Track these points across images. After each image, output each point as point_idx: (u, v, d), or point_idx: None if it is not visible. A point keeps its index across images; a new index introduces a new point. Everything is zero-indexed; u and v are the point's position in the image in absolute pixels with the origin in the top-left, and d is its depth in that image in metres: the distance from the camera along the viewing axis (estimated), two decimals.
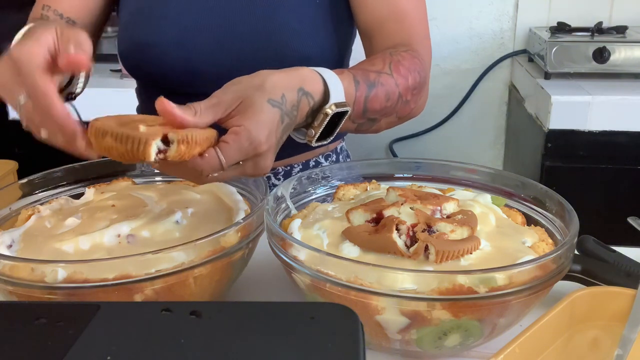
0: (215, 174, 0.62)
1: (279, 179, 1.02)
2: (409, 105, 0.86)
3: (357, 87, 0.77)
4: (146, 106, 1.07)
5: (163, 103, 0.59)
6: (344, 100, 0.74)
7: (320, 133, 0.73)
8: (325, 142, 0.76)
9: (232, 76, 0.92)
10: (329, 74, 0.73)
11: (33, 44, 0.64)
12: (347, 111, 0.74)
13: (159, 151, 0.56)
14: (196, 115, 0.61)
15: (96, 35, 1.01)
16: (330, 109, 0.71)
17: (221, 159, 0.61)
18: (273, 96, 0.65)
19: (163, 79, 0.96)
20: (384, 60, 0.83)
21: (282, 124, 0.66)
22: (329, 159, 1.07)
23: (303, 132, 0.75)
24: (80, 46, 0.64)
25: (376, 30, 0.92)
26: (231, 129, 0.63)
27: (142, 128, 0.57)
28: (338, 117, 0.74)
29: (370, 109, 0.80)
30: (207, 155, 0.60)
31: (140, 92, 1.07)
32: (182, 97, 0.98)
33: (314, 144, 0.74)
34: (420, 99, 0.88)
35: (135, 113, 1.10)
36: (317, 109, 0.72)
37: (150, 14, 0.93)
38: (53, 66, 0.64)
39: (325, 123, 0.72)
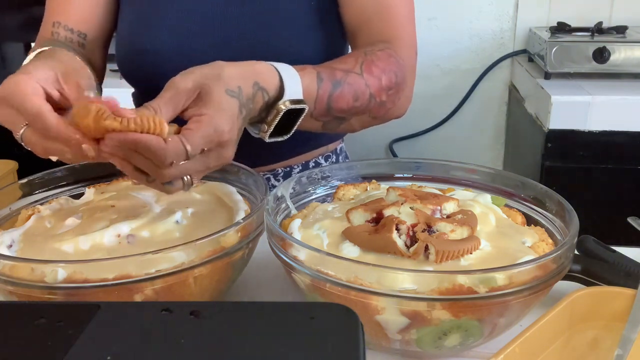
0: (180, 163, 0.60)
1: (278, 180, 1.02)
2: (385, 106, 0.84)
3: (320, 85, 0.76)
4: None
5: (120, 111, 0.59)
6: (301, 98, 0.72)
7: (277, 129, 0.71)
8: (280, 139, 0.73)
9: None
10: (286, 70, 0.72)
11: (18, 76, 0.64)
12: (304, 109, 0.72)
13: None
14: (157, 114, 0.60)
15: (107, 44, 1.01)
16: (284, 105, 0.70)
17: (186, 146, 0.59)
18: (230, 86, 0.64)
19: (161, 86, 0.95)
20: (356, 59, 0.82)
21: (241, 115, 0.65)
22: (329, 159, 1.07)
23: (258, 126, 0.73)
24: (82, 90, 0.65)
25: (361, 27, 0.91)
26: (192, 118, 0.62)
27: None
28: (295, 113, 0.72)
29: (336, 107, 0.78)
30: (170, 139, 0.58)
31: (137, 97, 1.07)
32: None
33: (267, 139, 0.72)
34: (398, 100, 0.87)
35: None
36: (272, 104, 0.70)
37: (149, 21, 0.93)
38: (54, 100, 0.64)
39: (279, 119, 0.70)
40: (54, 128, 0.60)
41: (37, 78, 0.64)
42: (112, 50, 1.00)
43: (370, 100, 0.82)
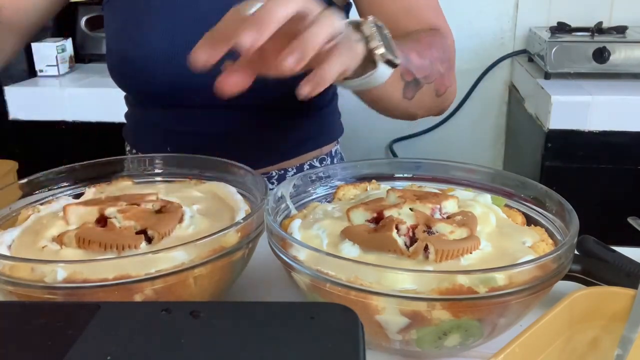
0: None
1: (272, 183, 1.01)
2: (445, 80, 0.82)
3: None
4: (136, 114, 1.06)
5: None
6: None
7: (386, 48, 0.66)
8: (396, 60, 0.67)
9: None
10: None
11: None
12: (380, 24, 0.67)
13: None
14: None
15: (25, 32, 0.98)
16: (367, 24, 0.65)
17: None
18: None
19: (154, 93, 0.94)
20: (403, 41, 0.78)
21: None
22: (324, 162, 1.06)
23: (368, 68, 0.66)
24: None
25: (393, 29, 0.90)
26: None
27: (117, 217, 0.64)
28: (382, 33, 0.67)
29: (410, 59, 0.74)
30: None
31: (129, 101, 1.05)
32: (174, 109, 0.97)
33: (381, 53, 0.65)
34: (452, 78, 0.84)
35: (125, 120, 1.09)
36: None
37: (138, 26, 0.90)
38: None
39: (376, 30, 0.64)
40: None
41: None
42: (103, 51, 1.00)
43: (432, 65, 0.78)
